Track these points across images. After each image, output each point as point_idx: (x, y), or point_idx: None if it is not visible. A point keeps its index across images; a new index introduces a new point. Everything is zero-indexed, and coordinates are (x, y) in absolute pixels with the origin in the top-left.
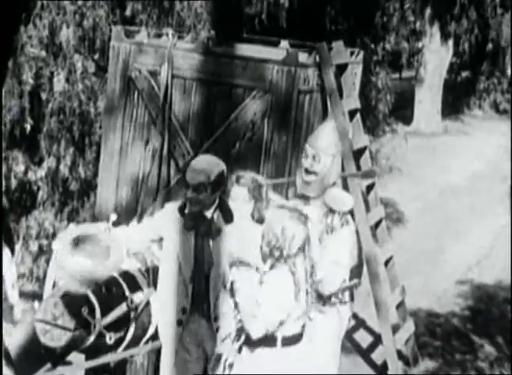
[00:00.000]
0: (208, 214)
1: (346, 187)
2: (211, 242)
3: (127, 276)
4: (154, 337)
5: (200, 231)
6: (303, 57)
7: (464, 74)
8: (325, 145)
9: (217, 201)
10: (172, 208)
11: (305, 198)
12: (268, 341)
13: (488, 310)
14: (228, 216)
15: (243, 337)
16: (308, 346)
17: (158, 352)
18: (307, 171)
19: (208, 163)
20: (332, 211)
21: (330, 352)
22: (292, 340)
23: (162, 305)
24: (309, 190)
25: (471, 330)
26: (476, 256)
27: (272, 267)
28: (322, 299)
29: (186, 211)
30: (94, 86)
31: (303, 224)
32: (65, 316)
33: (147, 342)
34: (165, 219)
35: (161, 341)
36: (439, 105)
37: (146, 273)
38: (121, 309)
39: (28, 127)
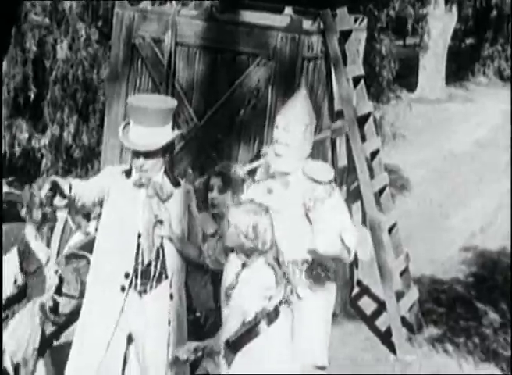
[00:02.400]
0: (157, 179)
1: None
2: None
3: None
4: None
5: (149, 194)
6: (307, 24)
7: (469, 41)
8: (296, 114)
9: (164, 166)
10: (114, 170)
11: (281, 175)
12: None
13: (491, 277)
14: (174, 180)
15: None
16: (298, 325)
17: None
18: (277, 142)
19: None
20: (316, 182)
21: (321, 330)
22: (269, 318)
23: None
24: (282, 164)
25: (474, 296)
26: (480, 223)
27: (244, 265)
28: (313, 275)
29: (134, 176)
30: (98, 53)
31: (267, 213)
32: (69, 283)
33: None
34: (110, 179)
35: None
36: (443, 71)
37: None
38: None
39: (32, 95)
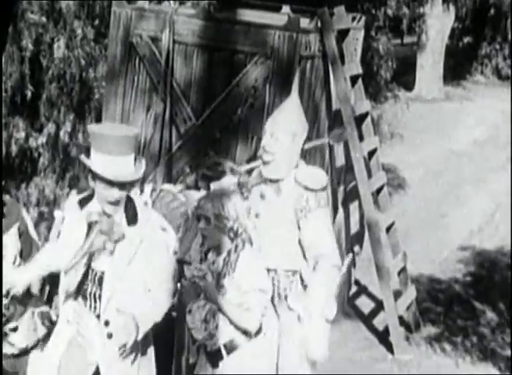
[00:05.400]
0: (117, 216)
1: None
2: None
3: None
4: None
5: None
6: (304, 22)
7: (466, 40)
8: (284, 123)
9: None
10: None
11: (272, 182)
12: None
13: (489, 276)
14: (133, 218)
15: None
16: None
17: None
18: (264, 149)
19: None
20: (307, 189)
21: None
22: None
23: None
24: (271, 171)
25: (472, 296)
26: (478, 222)
27: None
28: None
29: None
30: (94, 52)
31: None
32: None
33: None
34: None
35: None
36: (440, 70)
37: None
38: None
39: (28, 94)
